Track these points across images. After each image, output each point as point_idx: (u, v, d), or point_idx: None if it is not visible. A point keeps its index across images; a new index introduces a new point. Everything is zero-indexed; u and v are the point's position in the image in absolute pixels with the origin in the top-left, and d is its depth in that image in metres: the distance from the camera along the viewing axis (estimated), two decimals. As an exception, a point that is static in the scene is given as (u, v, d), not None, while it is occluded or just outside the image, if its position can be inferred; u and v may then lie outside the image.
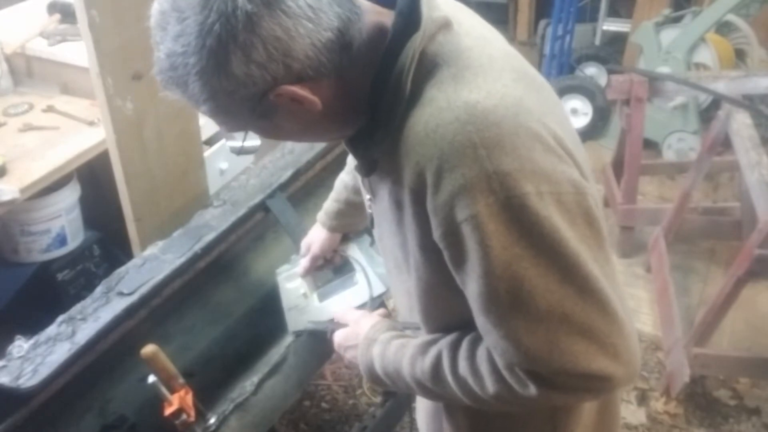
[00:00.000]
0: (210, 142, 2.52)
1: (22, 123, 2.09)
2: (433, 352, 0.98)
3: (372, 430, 2.05)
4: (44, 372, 1.23)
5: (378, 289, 1.56)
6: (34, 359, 1.26)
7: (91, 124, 2.07)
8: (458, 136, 0.79)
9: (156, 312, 1.45)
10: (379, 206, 0.98)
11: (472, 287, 0.85)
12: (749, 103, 2.53)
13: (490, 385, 0.90)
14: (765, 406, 2.39)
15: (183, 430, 1.31)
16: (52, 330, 1.32)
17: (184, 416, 1.30)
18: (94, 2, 1.49)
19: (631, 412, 2.38)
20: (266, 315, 1.67)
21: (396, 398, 1.99)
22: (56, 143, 2.01)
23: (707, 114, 3.40)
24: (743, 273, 2.05)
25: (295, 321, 1.59)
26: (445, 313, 1.00)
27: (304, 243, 1.56)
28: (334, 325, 1.27)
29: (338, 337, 1.21)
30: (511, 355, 0.85)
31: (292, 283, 1.59)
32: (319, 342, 1.45)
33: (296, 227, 1.67)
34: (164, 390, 1.29)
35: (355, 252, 1.58)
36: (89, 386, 1.36)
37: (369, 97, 0.87)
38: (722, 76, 2.74)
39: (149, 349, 1.32)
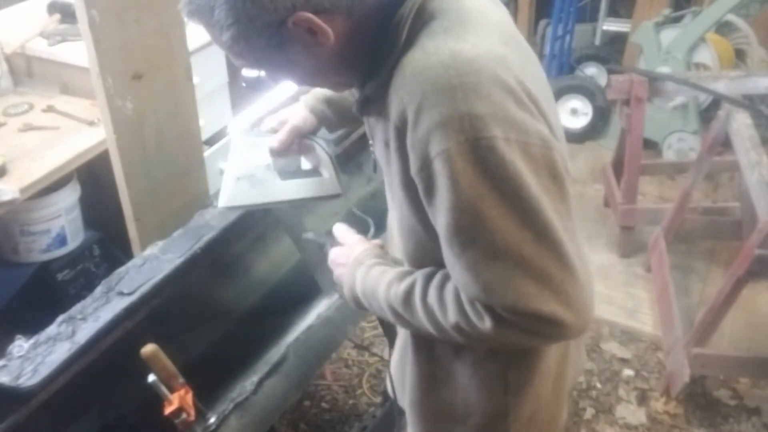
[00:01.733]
0: (210, 142, 2.52)
1: (22, 123, 2.09)
2: (408, 280, 1.04)
3: (372, 430, 2.05)
4: (44, 372, 1.23)
5: (336, 188, 1.47)
6: (34, 359, 1.26)
7: (91, 124, 2.07)
8: (440, 78, 0.87)
9: (156, 312, 1.45)
10: (376, 148, 1.06)
11: (440, 220, 0.91)
12: (749, 103, 2.53)
13: (451, 315, 0.96)
14: (765, 406, 2.39)
15: (183, 430, 1.31)
16: (52, 330, 1.32)
17: (184, 416, 1.30)
18: (94, 2, 1.49)
19: (631, 412, 2.38)
20: (266, 315, 1.67)
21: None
22: (56, 143, 2.01)
23: (707, 114, 3.40)
24: (743, 273, 2.05)
25: (241, 193, 1.41)
26: (423, 256, 1.05)
27: (272, 118, 1.44)
28: (333, 240, 1.27)
29: (333, 254, 1.24)
30: (470, 288, 0.92)
31: (257, 152, 1.40)
32: (316, 253, 1.35)
33: (296, 227, 1.67)
34: (164, 389, 1.29)
35: (322, 149, 1.46)
36: (89, 386, 1.36)
37: (371, 42, 0.95)
38: (722, 76, 2.74)
39: (149, 349, 1.32)
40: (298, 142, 1.44)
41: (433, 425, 1.26)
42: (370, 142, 1.10)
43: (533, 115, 0.90)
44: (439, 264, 0.99)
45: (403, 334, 1.28)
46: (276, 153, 1.41)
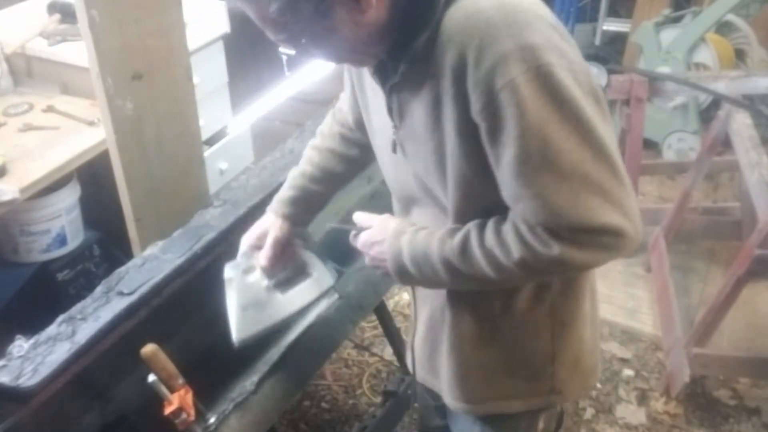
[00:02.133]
0: (210, 142, 2.52)
1: (22, 123, 2.09)
2: (461, 232, 1.08)
3: (372, 430, 2.05)
4: (44, 372, 1.23)
5: (329, 281, 1.51)
6: (34, 359, 1.26)
7: (91, 124, 2.07)
8: (494, 17, 0.94)
9: (156, 312, 1.45)
10: (408, 123, 1.09)
11: (507, 153, 0.96)
12: (749, 103, 2.53)
13: (515, 252, 1.01)
14: (765, 406, 2.39)
15: (183, 430, 1.31)
16: (52, 330, 1.32)
17: (184, 415, 1.30)
18: (94, 2, 1.49)
19: (631, 412, 2.38)
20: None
21: (396, 398, 2.00)
22: (56, 143, 2.01)
23: (707, 114, 3.40)
24: (743, 273, 2.05)
25: (252, 322, 1.45)
26: (471, 206, 1.09)
27: (248, 236, 1.46)
28: (357, 227, 1.25)
29: (364, 236, 1.22)
30: (538, 215, 0.97)
31: (252, 276, 1.43)
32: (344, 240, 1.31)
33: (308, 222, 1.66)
34: (164, 389, 1.29)
35: (299, 247, 1.49)
36: (89, 386, 1.36)
37: (408, 7, 0.99)
38: (722, 76, 2.74)
39: (149, 349, 1.32)
40: (282, 251, 1.45)
41: (481, 385, 1.27)
42: (394, 124, 1.12)
43: (573, 48, 0.99)
44: (488, 213, 1.06)
45: (429, 309, 1.29)
46: (268, 270, 1.44)
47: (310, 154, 1.45)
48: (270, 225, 1.44)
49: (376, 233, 1.20)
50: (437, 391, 1.35)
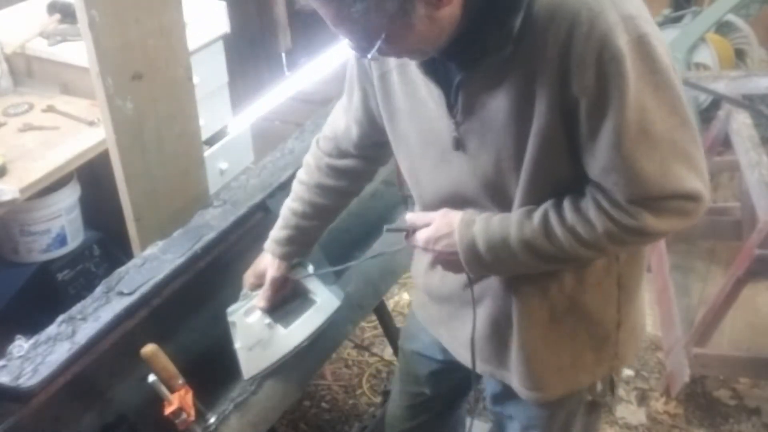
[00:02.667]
0: (210, 142, 2.52)
1: (22, 123, 2.09)
2: (538, 213, 1.11)
3: (372, 430, 2.05)
4: (44, 372, 1.23)
5: (335, 303, 1.58)
6: (34, 359, 1.26)
7: (91, 124, 2.06)
8: None
9: (156, 312, 1.45)
10: (477, 117, 1.10)
11: (607, 125, 0.99)
12: (749, 103, 2.53)
13: (599, 226, 1.06)
14: (765, 406, 2.39)
15: (183, 430, 1.31)
16: (52, 330, 1.32)
17: (184, 416, 1.30)
18: (94, 2, 1.49)
19: (631, 412, 2.38)
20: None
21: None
22: (56, 143, 2.00)
23: (707, 114, 3.40)
24: (743, 273, 2.05)
25: (258, 359, 1.51)
26: (544, 196, 1.11)
27: (248, 275, 1.52)
28: (410, 227, 1.24)
29: (425, 233, 1.21)
30: (630, 185, 1.02)
31: (252, 317, 1.49)
32: (397, 239, 1.32)
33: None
34: (164, 389, 1.29)
35: (300, 273, 1.55)
36: (89, 386, 1.36)
37: (481, 3, 1.01)
38: (722, 76, 2.74)
39: (149, 349, 1.32)
40: (281, 289, 1.50)
41: (552, 370, 1.30)
42: (456, 121, 1.12)
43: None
44: (564, 192, 1.10)
45: (491, 303, 1.29)
46: (268, 309, 1.49)
47: (299, 190, 1.47)
48: (268, 264, 1.48)
49: (441, 227, 1.19)
50: (506, 381, 1.37)
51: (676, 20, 3.59)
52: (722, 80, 2.66)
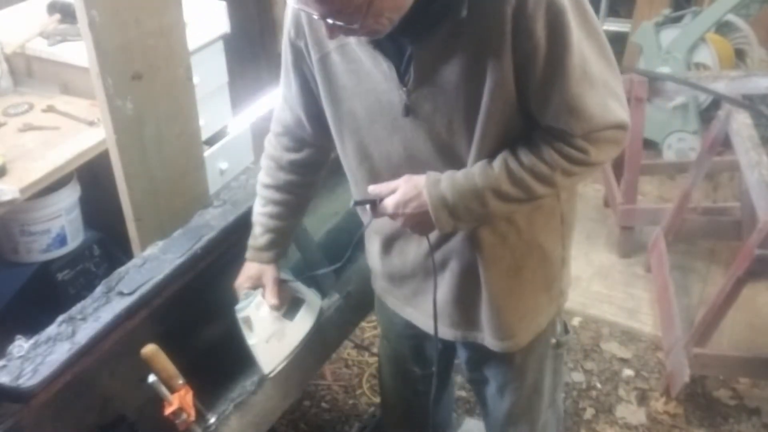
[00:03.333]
0: (210, 142, 2.52)
1: (22, 123, 2.09)
2: (497, 161, 1.21)
3: (372, 430, 2.05)
4: (44, 372, 1.23)
5: (318, 301, 1.66)
6: (34, 359, 1.25)
7: (91, 124, 2.06)
8: None
9: (156, 312, 1.45)
10: (430, 82, 1.17)
11: (557, 72, 1.11)
12: (749, 103, 2.53)
13: (553, 162, 1.18)
14: (765, 406, 2.39)
15: (183, 430, 1.31)
16: (52, 330, 1.32)
17: (184, 416, 1.30)
18: (94, 2, 1.49)
19: (631, 412, 2.38)
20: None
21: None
22: (56, 143, 2.01)
23: (707, 114, 3.40)
24: (743, 273, 2.05)
25: (276, 351, 1.54)
26: (500, 145, 1.21)
27: (241, 283, 1.54)
28: (377, 196, 1.28)
29: (393, 199, 1.26)
30: (580, 123, 1.15)
31: (263, 311, 1.52)
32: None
33: (300, 233, 1.67)
34: (164, 390, 1.29)
35: (288, 279, 1.60)
36: (89, 386, 1.36)
37: None
38: (722, 76, 2.74)
39: (149, 349, 1.32)
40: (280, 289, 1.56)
41: (519, 314, 1.41)
42: (407, 89, 1.19)
43: None
44: (510, 139, 1.20)
45: (458, 265, 1.37)
46: (278, 307, 1.54)
47: (267, 194, 1.51)
48: (261, 273, 1.52)
49: (408, 191, 1.24)
50: (478, 341, 1.45)
51: (676, 20, 3.59)
52: (722, 80, 2.66)
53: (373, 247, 1.51)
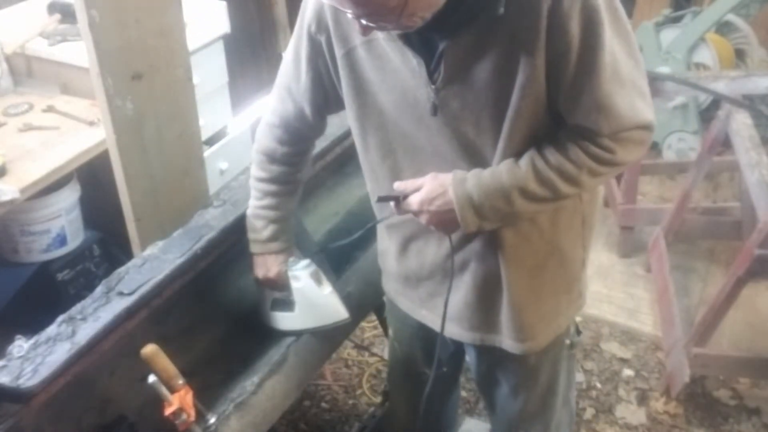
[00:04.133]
0: (210, 142, 2.52)
1: (22, 123, 2.09)
2: (524, 160, 1.20)
3: (372, 430, 2.05)
4: (44, 372, 1.23)
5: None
6: (34, 359, 1.25)
7: (91, 124, 2.07)
8: None
9: (156, 312, 1.45)
10: (460, 79, 1.17)
11: (588, 71, 1.11)
12: (749, 103, 2.53)
13: (580, 162, 1.18)
14: (765, 406, 2.39)
15: (183, 430, 1.31)
16: (52, 330, 1.32)
17: (184, 416, 1.30)
18: (94, 2, 1.49)
19: (631, 412, 2.38)
20: (266, 315, 1.67)
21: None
22: (56, 143, 2.01)
23: (707, 114, 3.40)
24: (743, 273, 2.05)
25: (337, 309, 1.59)
26: (526, 146, 1.21)
27: (260, 271, 1.56)
28: (401, 193, 1.28)
29: (418, 197, 1.25)
30: (609, 122, 1.15)
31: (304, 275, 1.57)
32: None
33: (295, 227, 1.67)
34: (164, 390, 1.29)
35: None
36: (89, 386, 1.36)
37: None
38: (722, 76, 2.74)
39: (149, 349, 1.32)
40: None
41: (538, 316, 1.40)
42: (436, 87, 1.18)
43: None
44: (537, 139, 1.20)
45: (480, 267, 1.36)
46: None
47: (263, 187, 1.52)
48: (266, 263, 1.55)
49: (434, 188, 1.24)
50: (496, 344, 1.44)
51: (676, 20, 3.59)
52: (722, 80, 2.66)
53: (388, 247, 1.50)
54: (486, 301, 1.39)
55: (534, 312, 1.39)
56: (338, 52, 1.27)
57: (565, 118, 1.19)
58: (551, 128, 1.21)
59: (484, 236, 1.32)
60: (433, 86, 1.19)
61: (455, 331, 1.43)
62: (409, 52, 1.18)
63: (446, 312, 1.39)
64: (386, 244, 1.51)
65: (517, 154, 1.21)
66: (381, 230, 1.49)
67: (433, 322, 1.48)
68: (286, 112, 1.44)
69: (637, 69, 1.17)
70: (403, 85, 1.23)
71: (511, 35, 1.11)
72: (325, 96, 1.37)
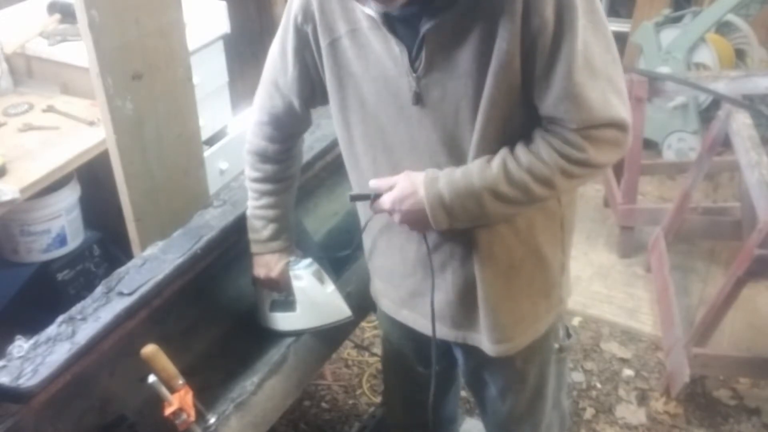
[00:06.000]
0: (210, 142, 2.52)
1: (22, 123, 2.09)
2: (496, 161, 1.20)
3: (372, 430, 2.05)
4: (44, 372, 1.23)
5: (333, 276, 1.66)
6: (34, 359, 1.25)
7: (91, 124, 2.07)
8: None
9: (156, 312, 1.45)
10: (441, 67, 1.17)
11: (560, 58, 1.11)
12: (749, 103, 2.53)
13: (552, 162, 1.17)
14: (765, 406, 2.39)
15: (183, 430, 1.31)
16: (52, 330, 1.32)
17: (184, 416, 1.30)
18: (94, 2, 1.49)
19: (631, 412, 2.38)
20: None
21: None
22: (56, 143, 2.01)
23: (707, 114, 3.40)
24: (743, 273, 2.05)
25: (340, 308, 1.60)
26: (502, 136, 1.20)
27: (261, 272, 1.57)
28: (374, 192, 1.28)
29: (390, 196, 1.26)
30: (579, 113, 1.13)
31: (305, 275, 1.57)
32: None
33: (295, 227, 1.67)
34: (164, 390, 1.29)
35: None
36: (89, 386, 1.36)
37: None
38: (722, 76, 2.74)
39: (149, 349, 1.32)
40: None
41: (515, 318, 1.39)
42: (417, 75, 1.19)
43: None
44: (511, 132, 1.20)
45: (458, 266, 1.36)
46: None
47: (259, 188, 1.52)
48: (267, 264, 1.55)
49: (405, 187, 1.24)
50: (476, 344, 1.44)
51: (676, 20, 3.59)
52: (722, 80, 2.66)
53: (374, 243, 1.50)
54: (465, 300, 1.39)
55: (509, 313, 1.38)
56: (323, 42, 1.28)
57: (539, 108, 1.18)
58: (526, 123, 1.20)
59: (461, 235, 1.31)
60: (414, 74, 1.20)
61: (439, 329, 1.43)
62: (393, 40, 1.18)
63: (434, 310, 1.39)
64: (372, 239, 1.50)
65: (491, 149, 1.21)
66: (367, 227, 1.49)
67: (414, 321, 1.49)
68: (275, 108, 1.44)
69: (613, 65, 1.16)
70: (386, 74, 1.23)
71: (489, 19, 1.12)
72: (312, 88, 1.38)
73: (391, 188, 1.26)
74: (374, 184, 1.29)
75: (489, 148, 1.21)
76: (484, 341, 1.42)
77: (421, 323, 1.47)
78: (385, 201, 1.27)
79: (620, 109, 1.16)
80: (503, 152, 1.20)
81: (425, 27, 1.15)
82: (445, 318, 1.43)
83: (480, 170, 1.20)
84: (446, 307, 1.42)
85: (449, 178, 1.22)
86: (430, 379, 1.64)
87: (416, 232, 1.33)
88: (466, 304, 1.40)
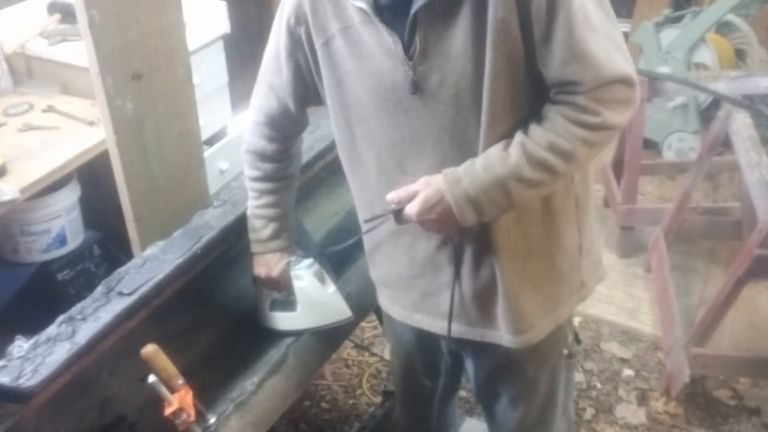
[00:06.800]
0: (210, 142, 2.52)
1: (22, 123, 2.09)
2: (514, 146, 1.18)
3: (372, 430, 2.05)
4: (44, 372, 1.23)
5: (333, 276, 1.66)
6: (34, 359, 1.25)
7: (91, 124, 2.07)
8: None
9: (156, 312, 1.45)
10: (436, 53, 1.17)
11: (560, 18, 1.10)
12: (749, 103, 2.53)
13: (571, 133, 1.15)
14: (765, 406, 2.39)
15: (183, 430, 1.31)
16: (52, 330, 1.32)
17: (184, 416, 1.30)
18: (94, 2, 1.49)
19: (631, 412, 2.38)
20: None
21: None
22: (56, 143, 2.01)
23: (707, 114, 3.40)
24: (743, 273, 2.05)
25: (341, 308, 1.60)
26: (510, 117, 1.19)
27: (262, 271, 1.56)
28: (395, 206, 1.26)
29: (415, 207, 1.23)
30: (587, 71, 1.12)
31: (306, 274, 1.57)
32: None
33: (296, 228, 1.67)
34: (164, 390, 1.29)
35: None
36: (89, 386, 1.36)
37: None
38: (722, 76, 2.74)
39: (149, 349, 1.32)
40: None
41: (536, 305, 1.37)
42: (413, 64, 1.18)
43: None
44: (523, 115, 1.19)
45: (473, 258, 1.33)
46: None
47: (259, 187, 1.52)
48: (268, 264, 1.55)
49: (429, 197, 1.22)
50: (494, 341, 1.41)
51: (676, 20, 3.59)
52: (722, 80, 2.66)
53: (380, 248, 1.47)
54: (482, 293, 1.36)
55: (531, 299, 1.36)
56: (317, 43, 1.28)
57: (546, 76, 1.16)
58: (534, 100, 1.18)
59: (475, 225, 1.28)
60: (410, 62, 1.18)
61: (457, 328, 1.40)
62: (385, 31, 1.18)
63: (452, 304, 1.36)
64: (376, 245, 1.47)
65: (503, 130, 1.19)
66: (369, 236, 1.45)
67: (429, 323, 1.45)
68: (270, 109, 1.44)
69: (609, 22, 1.15)
70: (380, 69, 1.22)
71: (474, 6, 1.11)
72: (306, 89, 1.38)
73: (410, 198, 1.24)
74: (392, 197, 1.26)
75: (500, 128, 1.19)
76: (504, 335, 1.38)
77: (436, 324, 1.43)
78: (411, 214, 1.23)
79: (625, 64, 1.16)
80: (519, 136, 1.18)
81: (415, 6, 1.14)
82: (460, 315, 1.39)
83: (500, 159, 1.18)
84: (462, 302, 1.38)
85: (472, 176, 1.19)
86: (435, 392, 1.63)
87: (435, 232, 1.30)
88: (483, 298, 1.37)
